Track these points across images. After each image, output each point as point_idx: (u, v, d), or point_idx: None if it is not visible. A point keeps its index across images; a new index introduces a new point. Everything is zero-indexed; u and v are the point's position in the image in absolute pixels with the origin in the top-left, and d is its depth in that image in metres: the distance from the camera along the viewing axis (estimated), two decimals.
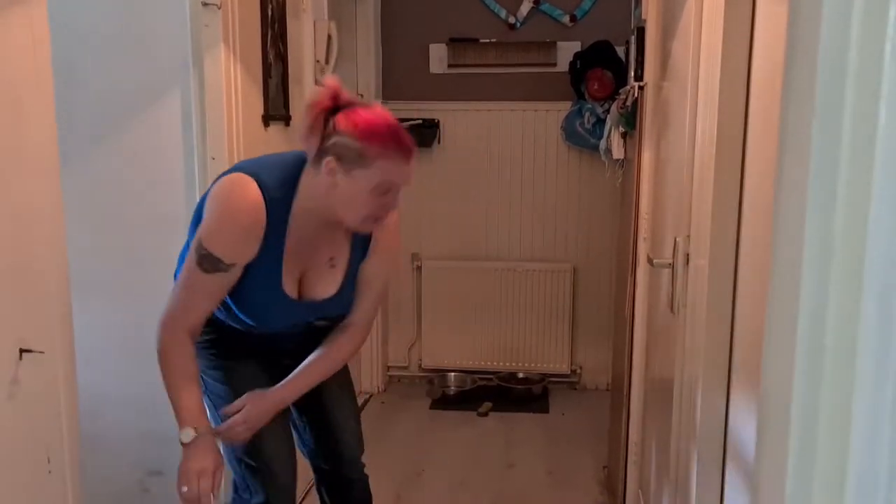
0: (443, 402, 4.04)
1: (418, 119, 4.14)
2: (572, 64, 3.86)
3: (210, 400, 1.82)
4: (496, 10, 4.08)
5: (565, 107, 4.00)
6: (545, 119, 4.09)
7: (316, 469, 2.09)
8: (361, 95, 3.95)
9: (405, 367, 4.37)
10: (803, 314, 0.57)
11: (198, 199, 2.24)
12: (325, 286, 1.75)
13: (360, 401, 4.02)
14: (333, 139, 1.54)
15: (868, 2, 0.51)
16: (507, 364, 4.27)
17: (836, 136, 0.53)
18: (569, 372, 4.21)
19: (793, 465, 0.59)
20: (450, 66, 4.13)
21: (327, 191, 1.57)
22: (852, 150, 0.53)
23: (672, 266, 1.93)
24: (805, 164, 0.56)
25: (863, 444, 0.54)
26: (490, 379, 4.18)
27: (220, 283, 1.63)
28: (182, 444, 1.63)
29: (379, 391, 4.20)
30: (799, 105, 0.58)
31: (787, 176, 0.60)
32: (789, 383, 0.58)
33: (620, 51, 3.64)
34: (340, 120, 1.55)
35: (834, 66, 0.54)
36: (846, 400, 0.55)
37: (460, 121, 4.18)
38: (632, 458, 2.63)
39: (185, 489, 1.59)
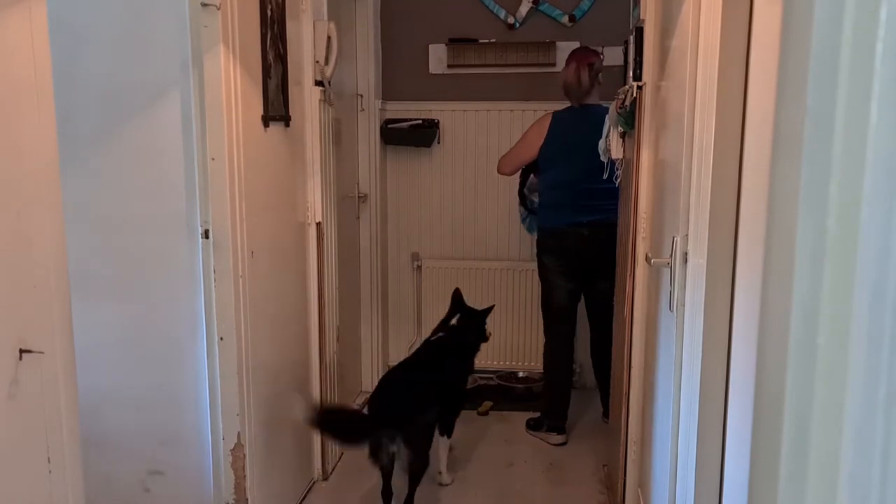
0: None
1: (418, 119, 4.15)
2: None
3: None
4: (495, 11, 4.08)
5: (564, 106, 3.99)
6: None
7: None
8: (361, 96, 3.96)
9: None
10: (796, 312, 0.57)
11: (197, 200, 2.25)
12: None
13: (360, 399, 4.04)
14: None
15: (859, 2, 0.52)
16: (507, 363, 4.27)
17: (829, 134, 0.54)
18: None
19: (786, 463, 0.59)
20: (449, 66, 4.14)
21: None
22: (844, 148, 0.53)
23: (670, 265, 1.93)
24: (797, 163, 0.56)
25: (855, 441, 0.55)
26: (490, 378, 4.19)
27: None
28: None
29: None
30: (791, 103, 0.58)
31: (780, 174, 0.60)
32: (782, 381, 0.58)
33: (620, 51, 3.64)
34: None
35: (826, 66, 0.54)
36: (839, 398, 0.55)
37: (460, 121, 4.19)
38: (631, 456, 2.63)
39: None
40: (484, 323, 3.35)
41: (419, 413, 2.77)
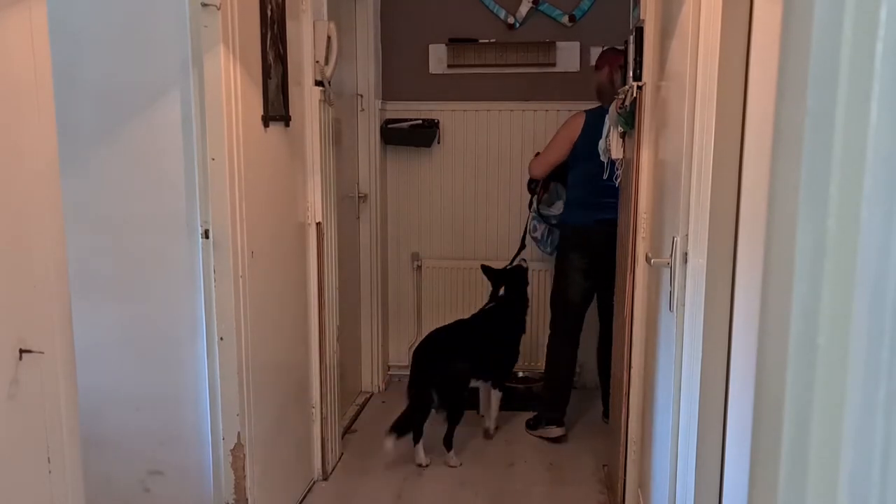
0: None
1: (418, 119, 4.15)
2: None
3: None
4: (495, 11, 4.08)
5: (565, 107, 4.00)
6: (544, 119, 4.09)
7: None
8: (361, 96, 3.96)
9: (406, 367, 4.36)
10: (796, 312, 0.57)
11: (197, 200, 2.25)
12: None
13: (360, 400, 4.04)
14: None
15: (859, 2, 0.52)
16: None
17: (829, 134, 0.54)
18: None
19: (786, 463, 0.59)
20: (449, 66, 4.14)
21: None
22: (844, 148, 0.53)
23: (670, 265, 1.94)
24: (797, 163, 0.56)
25: (855, 441, 0.55)
26: None
27: None
28: None
29: (379, 390, 4.20)
30: (791, 103, 0.58)
31: (780, 175, 0.60)
32: (782, 381, 0.58)
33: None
34: None
35: (826, 66, 0.54)
36: (838, 398, 0.55)
37: (460, 121, 4.18)
38: (631, 456, 2.63)
39: None
40: (519, 281, 3.67)
41: (447, 363, 3.30)
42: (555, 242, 3.76)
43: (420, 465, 3.26)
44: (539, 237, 3.81)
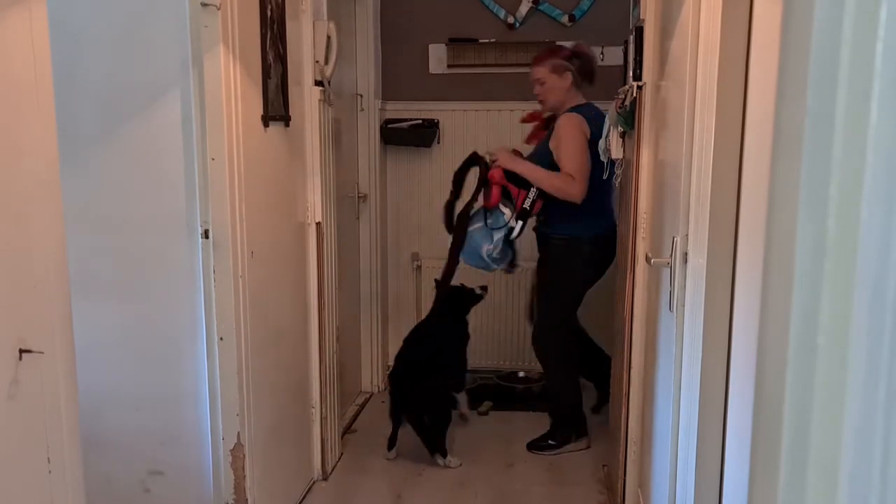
0: None
1: (418, 119, 4.15)
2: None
3: None
4: (495, 10, 4.08)
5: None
6: None
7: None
8: (361, 96, 3.96)
9: None
10: (796, 312, 0.57)
11: (197, 200, 2.26)
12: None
13: (360, 400, 4.04)
14: None
15: (859, 2, 0.52)
16: (507, 363, 4.27)
17: (829, 134, 0.54)
18: None
19: (786, 463, 0.59)
20: (449, 66, 4.14)
21: None
22: (844, 149, 0.53)
23: (670, 265, 1.94)
24: (797, 163, 0.56)
25: (855, 441, 0.55)
26: (490, 378, 4.18)
27: None
28: None
29: (379, 390, 4.20)
30: (791, 103, 0.58)
31: (780, 175, 0.60)
32: (782, 381, 0.58)
33: (620, 51, 3.63)
34: None
35: (826, 66, 0.54)
36: (839, 398, 0.55)
37: (460, 121, 4.18)
38: (631, 456, 2.63)
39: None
40: (459, 303, 3.57)
41: (418, 381, 3.28)
42: (509, 257, 3.38)
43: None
44: (499, 256, 3.35)
